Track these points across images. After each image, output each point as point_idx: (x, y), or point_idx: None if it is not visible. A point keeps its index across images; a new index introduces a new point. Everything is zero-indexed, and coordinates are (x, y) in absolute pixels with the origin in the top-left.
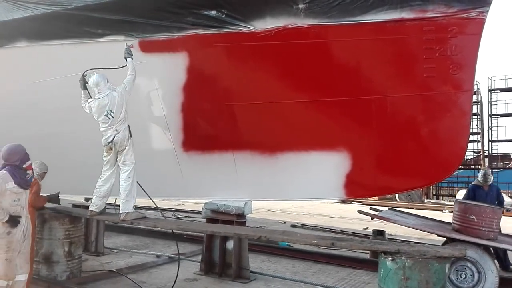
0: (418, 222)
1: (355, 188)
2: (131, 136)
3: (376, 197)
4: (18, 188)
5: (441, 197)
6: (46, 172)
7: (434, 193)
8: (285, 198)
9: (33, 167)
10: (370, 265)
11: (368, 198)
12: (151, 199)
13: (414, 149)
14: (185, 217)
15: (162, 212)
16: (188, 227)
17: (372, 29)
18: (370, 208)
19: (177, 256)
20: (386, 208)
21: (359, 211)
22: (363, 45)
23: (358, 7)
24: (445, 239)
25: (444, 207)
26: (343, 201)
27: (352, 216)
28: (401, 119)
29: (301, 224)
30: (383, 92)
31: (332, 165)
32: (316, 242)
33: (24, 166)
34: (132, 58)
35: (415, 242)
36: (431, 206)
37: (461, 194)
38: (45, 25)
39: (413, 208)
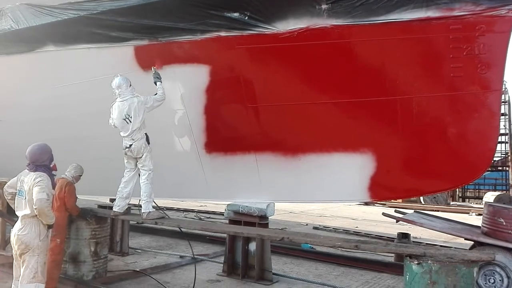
0: (445, 225)
1: (380, 191)
2: (148, 143)
3: (401, 200)
4: (52, 190)
5: (467, 200)
6: (81, 175)
7: (460, 195)
8: (307, 200)
9: (69, 169)
10: (395, 268)
11: (392, 201)
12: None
13: (441, 151)
14: (207, 218)
15: (185, 213)
16: (211, 227)
17: (397, 28)
18: (395, 211)
19: (201, 257)
20: (412, 211)
21: (384, 214)
22: (388, 45)
23: (382, 7)
24: (472, 242)
25: (470, 209)
26: (366, 203)
27: (375, 219)
28: (427, 120)
29: (324, 226)
30: (409, 92)
31: (356, 167)
32: (339, 244)
33: (51, 165)
34: (161, 82)
35: (441, 246)
36: (457, 209)
37: (488, 196)
38: (71, 29)
39: (438, 211)
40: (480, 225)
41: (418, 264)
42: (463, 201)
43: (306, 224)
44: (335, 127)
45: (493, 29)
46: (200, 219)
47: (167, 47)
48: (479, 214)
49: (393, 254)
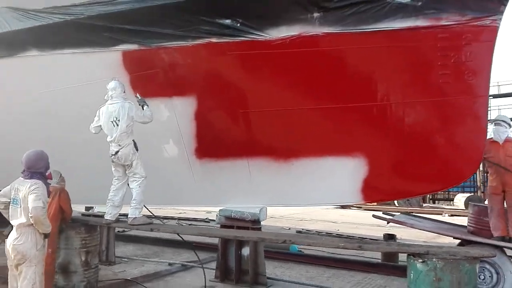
0: (433, 225)
1: (372, 193)
2: (137, 150)
3: (375, 203)
4: (48, 198)
5: (437, 202)
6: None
7: (430, 197)
8: (300, 204)
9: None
10: (383, 268)
11: (368, 204)
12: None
13: (431, 154)
14: (189, 225)
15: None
16: (210, 233)
17: (387, 36)
18: (383, 213)
19: (191, 264)
20: (385, 214)
21: (374, 216)
22: (378, 52)
23: (373, 16)
24: (459, 241)
25: (443, 211)
26: (343, 207)
27: (354, 221)
28: (417, 124)
29: (306, 230)
30: (399, 98)
31: (349, 171)
32: (342, 245)
33: (47, 174)
34: (147, 106)
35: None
36: (430, 210)
37: (459, 198)
38: (56, 34)
39: (412, 213)
40: (466, 225)
41: (422, 262)
42: (433, 203)
43: (289, 229)
44: (327, 132)
45: (479, 38)
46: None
47: (156, 53)
48: (452, 215)
49: (380, 255)
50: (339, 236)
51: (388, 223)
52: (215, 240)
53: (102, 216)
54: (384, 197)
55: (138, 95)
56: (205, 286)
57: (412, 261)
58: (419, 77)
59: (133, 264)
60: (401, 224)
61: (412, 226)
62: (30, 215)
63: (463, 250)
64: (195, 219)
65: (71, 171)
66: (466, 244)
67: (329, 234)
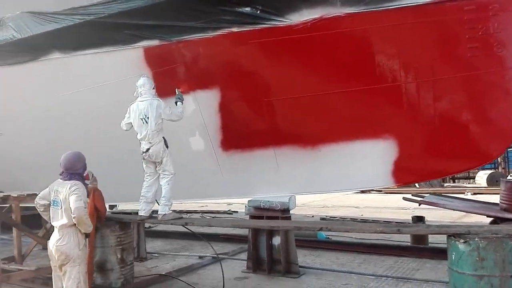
0: (465, 204)
1: (404, 175)
2: (167, 147)
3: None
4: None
5: (457, 180)
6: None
7: (450, 176)
8: (330, 190)
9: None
10: (414, 251)
11: (388, 188)
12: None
13: (463, 130)
14: (213, 217)
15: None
16: (244, 224)
17: (412, 12)
18: (412, 195)
19: (220, 256)
20: (408, 195)
21: (404, 198)
22: (403, 29)
23: None
24: (491, 219)
25: (465, 189)
26: (363, 192)
27: (377, 206)
28: (448, 100)
29: (330, 217)
30: (428, 75)
31: (379, 153)
32: (381, 230)
33: (84, 174)
34: (182, 103)
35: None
36: (453, 190)
37: (480, 175)
38: (77, 35)
39: (435, 194)
40: (498, 202)
41: (464, 242)
42: (454, 182)
43: (312, 216)
44: (354, 115)
45: (506, 8)
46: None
47: (177, 47)
48: (474, 193)
49: (407, 238)
50: (365, 221)
51: (419, 205)
52: (241, 232)
53: (131, 214)
54: (416, 178)
55: (177, 90)
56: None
57: (452, 242)
58: (447, 52)
59: (164, 259)
60: (432, 205)
61: (444, 207)
62: (73, 216)
63: (505, 228)
64: (218, 212)
65: (95, 170)
66: (500, 222)
67: (354, 220)
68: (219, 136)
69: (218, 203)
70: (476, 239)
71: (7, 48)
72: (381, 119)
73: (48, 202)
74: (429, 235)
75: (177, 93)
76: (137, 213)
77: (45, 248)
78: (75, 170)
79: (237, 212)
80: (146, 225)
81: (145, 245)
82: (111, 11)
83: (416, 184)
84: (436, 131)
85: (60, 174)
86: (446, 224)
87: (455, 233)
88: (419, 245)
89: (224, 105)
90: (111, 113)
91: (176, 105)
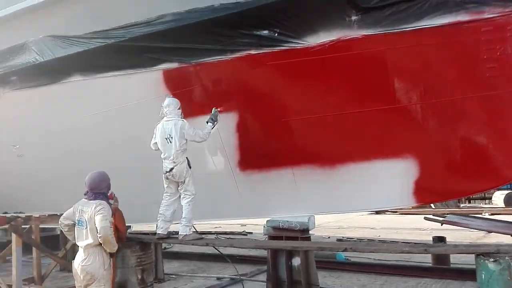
0: (488, 223)
1: (425, 194)
2: (190, 167)
3: (411, 206)
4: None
5: (472, 201)
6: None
7: (466, 197)
8: (349, 210)
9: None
10: (436, 272)
11: (403, 208)
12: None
13: (483, 150)
14: (228, 238)
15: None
16: (267, 244)
17: (429, 34)
18: (433, 215)
19: (239, 277)
20: (422, 216)
21: (426, 218)
22: (420, 50)
23: (412, 14)
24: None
25: (483, 210)
26: (377, 212)
27: (394, 226)
28: (467, 120)
29: (347, 238)
30: (446, 95)
31: (399, 173)
32: (408, 250)
33: (108, 194)
34: (214, 124)
35: None
36: (470, 210)
37: (497, 195)
38: (99, 58)
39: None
40: None
41: (494, 261)
42: (469, 202)
43: (329, 237)
44: (373, 134)
45: None
46: None
47: (196, 69)
48: (492, 214)
49: (428, 259)
50: (383, 242)
51: (442, 224)
52: (257, 253)
53: (149, 234)
54: (437, 198)
55: (214, 109)
56: None
57: (482, 261)
58: (466, 73)
59: (181, 280)
60: (456, 224)
61: (467, 226)
62: (99, 235)
63: None
64: (232, 233)
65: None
66: None
67: (371, 240)
68: (237, 157)
69: (231, 224)
70: (507, 257)
71: (30, 71)
72: (401, 139)
73: (72, 222)
74: (450, 255)
75: (212, 112)
76: (154, 233)
77: (63, 269)
78: (100, 189)
79: (251, 233)
80: (163, 245)
81: (162, 266)
82: (132, 35)
83: (432, 205)
84: (457, 150)
85: (85, 194)
86: (484, 243)
87: (484, 252)
88: (441, 265)
89: (242, 126)
90: (131, 135)
91: (207, 124)
